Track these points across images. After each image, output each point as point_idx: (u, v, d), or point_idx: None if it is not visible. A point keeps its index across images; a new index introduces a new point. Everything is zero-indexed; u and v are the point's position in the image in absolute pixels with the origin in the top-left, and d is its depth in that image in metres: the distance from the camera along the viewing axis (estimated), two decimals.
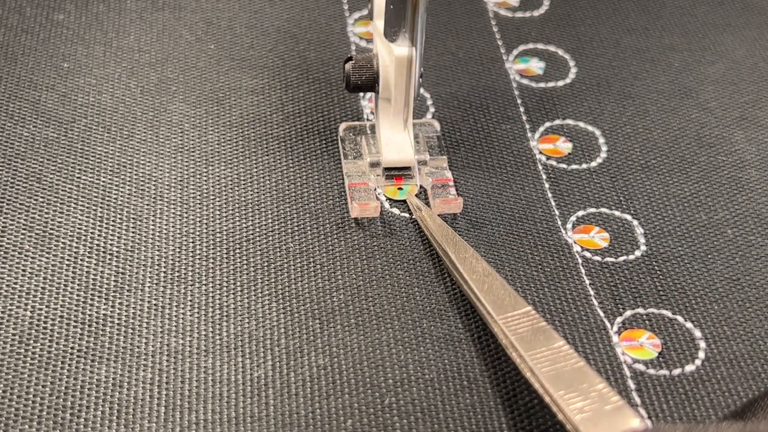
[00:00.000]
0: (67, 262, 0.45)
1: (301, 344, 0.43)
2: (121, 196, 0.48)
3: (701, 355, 0.43)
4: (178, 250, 0.46)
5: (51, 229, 0.46)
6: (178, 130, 0.51)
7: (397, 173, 0.49)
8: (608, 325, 0.44)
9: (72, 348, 0.42)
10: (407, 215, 0.48)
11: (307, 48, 0.56)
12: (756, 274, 0.46)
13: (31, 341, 0.42)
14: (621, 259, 0.47)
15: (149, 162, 0.49)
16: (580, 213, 0.49)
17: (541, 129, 0.53)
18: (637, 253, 0.47)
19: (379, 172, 0.49)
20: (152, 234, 0.46)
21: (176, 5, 0.57)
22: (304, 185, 0.49)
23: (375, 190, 0.49)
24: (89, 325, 0.43)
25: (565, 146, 0.52)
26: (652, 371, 0.43)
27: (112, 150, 0.50)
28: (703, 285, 0.46)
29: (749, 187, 0.50)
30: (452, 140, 0.52)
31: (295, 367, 0.42)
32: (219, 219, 0.47)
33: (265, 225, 0.47)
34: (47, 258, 0.45)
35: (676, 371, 0.43)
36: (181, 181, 0.49)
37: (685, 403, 0.42)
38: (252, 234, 0.47)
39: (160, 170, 0.49)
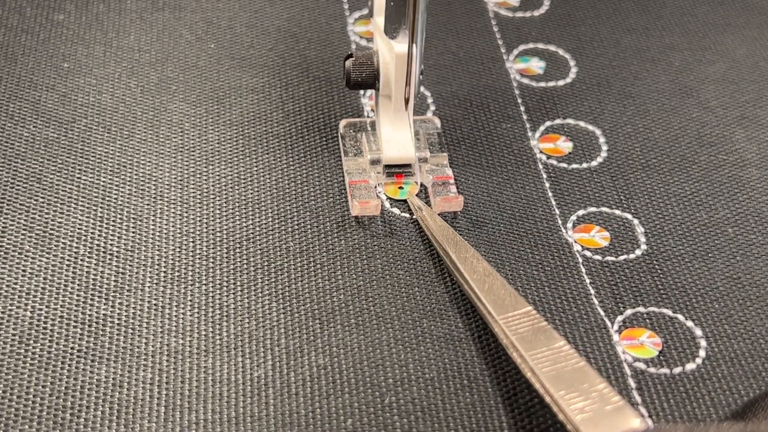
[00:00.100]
0: (67, 263, 0.45)
1: (301, 344, 0.43)
2: (122, 196, 0.48)
3: (702, 353, 0.43)
4: (178, 249, 0.46)
5: (51, 229, 0.46)
6: (178, 129, 0.51)
7: (397, 170, 0.49)
8: (609, 323, 0.44)
9: (72, 348, 0.42)
10: (408, 215, 0.48)
11: (308, 47, 0.56)
12: (757, 273, 0.46)
13: (31, 341, 0.42)
14: (621, 258, 0.47)
15: (149, 162, 0.49)
16: (581, 212, 0.49)
17: (542, 128, 0.53)
18: (638, 252, 0.47)
19: (379, 170, 0.49)
20: (152, 234, 0.46)
21: (176, 5, 0.57)
22: (305, 183, 0.49)
23: (375, 187, 0.48)
24: (89, 326, 0.43)
25: (565, 145, 0.52)
26: (652, 370, 0.43)
27: (112, 150, 0.50)
28: (704, 284, 0.46)
29: (750, 186, 0.50)
30: (453, 139, 0.52)
31: (295, 367, 0.42)
32: (219, 218, 0.47)
33: (265, 224, 0.47)
34: (47, 258, 0.45)
35: (677, 370, 0.43)
36: (181, 180, 0.49)
37: (685, 402, 0.42)
38: (252, 233, 0.47)
39: (161, 170, 0.49)
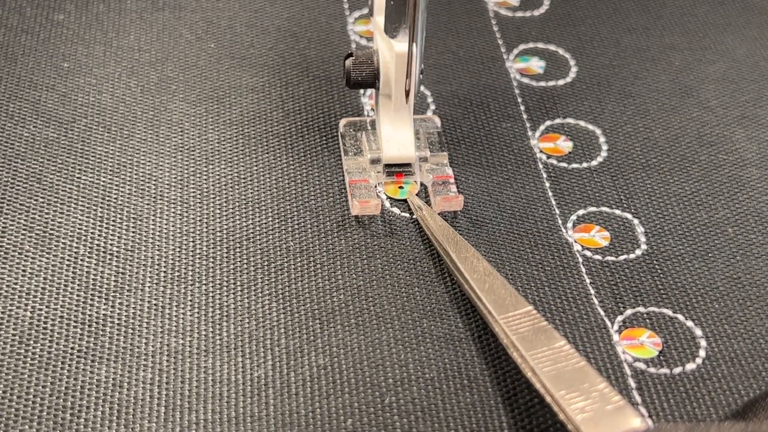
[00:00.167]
0: (67, 263, 0.45)
1: (302, 344, 0.43)
2: (122, 196, 0.48)
3: (702, 353, 0.43)
4: (178, 249, 0.46)
5: (51, 229, 0.46)
6: (178, 129, 0.51)
7: (397, 170, 0.49)
8: (609, 323, 0.44)
9: (72, 348, 0.42)
10: (408, 215, 0.48)
11: (307, 46, 0.56)
12: (757, 273, 0.46)
13: (32, 342, 0.42)
14: (621, 258, 0.47)
15: (149, 161, 0.49)
16: (581, 212, 0.49)
17: (542, 128, 0.53)
18: (638, 252, 0.47)
19: (379, 169, 0.49)
20: (152, 233, 0.46)
21: (176, 5, 0.57)
22: (305, 183, 0.49)
23: (375, 187, 0.48)
24: (89, 326, 0.43)
25: (565, 145, 0.52)
26: (652, 370, 0.43)
27: (112, 150, 0.50)
28: (704, 283, 0.46)
29: (750, 185, 0.50)
30: (452, 138, 0.52)
31: (295, 367, 0.42)
32: (219, 218, 0.47)
33: (265, 223, 0.47)
34: (47, 258, 0.45)
35: (677, 370, 0.43)
36: (181, 180, 0.49)
37: (685, 402, 0.42)
38: (252, 233, 0.47)
39: (161, 169, 0.49)
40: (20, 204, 0.47)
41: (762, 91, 0.55)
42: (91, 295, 0.44)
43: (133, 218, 0.47)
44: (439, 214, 0.47)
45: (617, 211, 0.49)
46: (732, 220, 0.49)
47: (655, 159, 0.51)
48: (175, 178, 0.49)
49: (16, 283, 0.44)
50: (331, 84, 0.53)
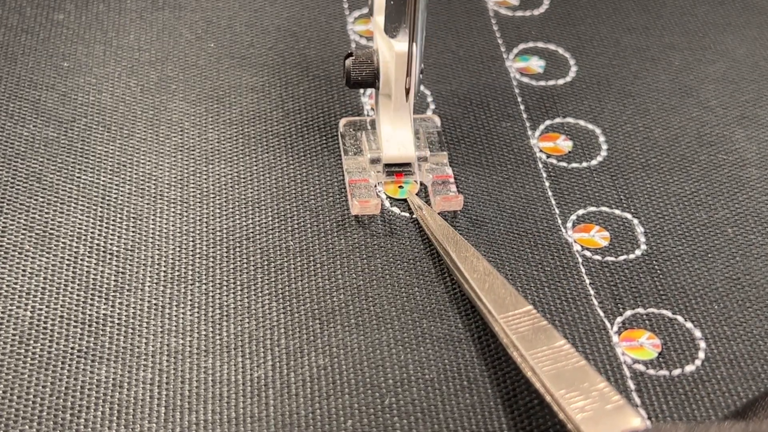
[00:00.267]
0: (67, 262, 0.45)
1: (301, 344, 0.43)
2: (121, 196, 0.48)
3: (701, 355, 0.43)
4: (178, 249, 0.46)
5: (51, 228, 0.46)
6: (178, 128, 0.51)
7: (397, 169, 0.49)
8: (608, 325, 0.44)
9: (72, 348, 0.42)
10: (408, 214, 0.48)
11: (307, 46, 0.56)
12: (756, 274, 0.46)
13: (31, 341, 0.42)
14: (621, 258, 0.47)
15: (149, 161, 0.49)
16: (581, 212, 0.49)
17: (542, 127, 0.53)
18: (638, 252, 0.47)
19: (379, 169, 0.49)
20: (152, 233, 0.46)
21: (176, 4, 0.57)
22: (305, 182, 0.49)
23: (375, 186, 0.48)
24: (89, 325, 0.43)
25: (565, 144, 0.52)
26: (652, 371, 0.43)
27: (112, 149, 0.50)
28: (704, 284, 0.46)
29: (750, 185, 0.50)
30: (452, 138, 0.52)
31: (295, 367, 0.42)
32: (219, 217, 0.47)
33: (265, 223, 0.47)
34: (47, 258, 0.45)
35: (676, 371, 0.43)
36: (181, 179, 0.49)
37: (684, 404, 0.42)
38: (252, 232, 0.47)
39: (160, 169, 0.49)
40: (20, 203, 0.47)
41: (762, 91, 0.55)
42: (91, 294, 0.44)
43: (133, 218, 0.47)
44: (438, 213, 0.47)
45: (617, 211, 0.49)
46: (731, 221, 0.49)
47: (655, 159, 0.51)
48: (174, 177, 0.49)
49: (16, 283, 0.44)
50: (331, 84, 0.53)
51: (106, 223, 0.47)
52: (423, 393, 0.41)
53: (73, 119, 0.51)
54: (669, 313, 0.45)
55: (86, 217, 0.47)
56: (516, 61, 0.56)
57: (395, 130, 0.49)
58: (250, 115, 0.52)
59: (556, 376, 0.39)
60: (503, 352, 0.42)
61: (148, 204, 0.48)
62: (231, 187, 0.49)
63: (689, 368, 0.43)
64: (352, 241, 0.47)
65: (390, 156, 0.49)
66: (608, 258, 0.47)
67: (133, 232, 0.46)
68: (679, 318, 0.45)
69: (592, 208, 0.49)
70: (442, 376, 0.42)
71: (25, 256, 0.45)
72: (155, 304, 0.44)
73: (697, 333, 0.44)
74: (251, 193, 0.48)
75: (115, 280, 0.45)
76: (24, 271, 0.44)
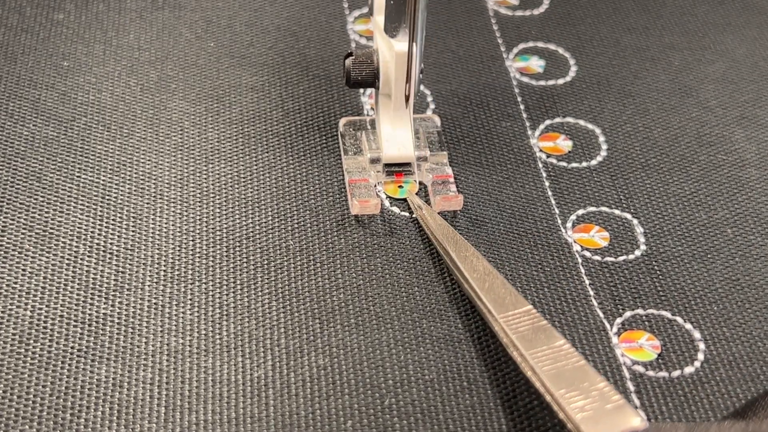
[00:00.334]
0: (67, 262, 0.45)
1: (301, 344, 0.43)
2: (121, 195, 0.48)
3: (700, 356, 0.43)
4: (177, 248, 0.46)
5: (51, 228, 0.46)
6: (177, 128, 0.51)
7: (397, 169, 0.49)
8: (608, 326, 0.44)
9: (72, 348, 0.42)
10: (407, 214, 0.48)
11: (307, 45, 0.56)
12: (756, 275, 0.46)
13: (31, 341, 0.42)
14: (621, 258, 0.47)
15: (149, 160, 0.49)
16: (580, 212, 0.49)
17: (542, 127, 0.53)
18: (637, 252, 0.47)
19: (379, 168, 0.49)
20: (152, 232, 0.46)
21: (176, 4, 0.57)
22: (305, 182, 0.49)
23: (375, 186, 0.48)
24: (89, 325, 0.43)
25: (565, 144, 0.52)
26: (651, 373, 0.43)
27: (111, 148, 0.50)
28: (703, 285, 0.46)
29: (749, 186, 0.50)
30: (452, 137, 0.52)
31: (295, 368, 0.42)
32: (219, 217, 0.47)
33: (265, 223, 0.47)
34: (47, 257, 0.45)
35: (676, 373, 0.43)
36: (180, 179, 0.49)
37: (684, 405, 0.42)
38: (252, 232, 0.47)
39: (160, 168, 0.49)
40: (20, 203, 0.47)
41: (761, 91, 0.55)
42: (90, 294, 0.44)
43: (133, 217, 0.47)
44: (438, 213, 0.47)
45: (617, 211, 0.49)
46: (731, 221, 0.49)
47: (655, 159, 0.51)
48: (174, 176, 0.49)
49: (15, 282, 0.44)
50: (331, 83, 0.53)
51: (106, 222, 0.47)
52: (423, 393, 0.41)
53: (72, 118, 0.51)
54: (668, 314, 0.45)
55: (86, 216, 0.47)
56: (516, 61, 0.56)
57: (395, 130, 0.49)
58: (249, 115, 0.52)
59: (555, 375, 0.39)
60: (503, 352, 0.42)
61: (147, 203, 0.48)
62: (231, 186, 0.49)
63: (689, 369, 0.43)
64: (352, 240, 0.47)
65: (390, 156, 0.49)
66: (608, 258, 0.47)
67: (132, 231, 0.46)
68: (679, 319, 0.45)
69: (592, 208, 0.49)
70: (441, 377, 0.42)
71: (25, 255, 0.45)
72: (155, 304, 0.44)
73: (697, 334, 0.44)
74: (251, 192, 0.48)
75: (114, 280, 0.45)
76: (24, 270, 0.44)
